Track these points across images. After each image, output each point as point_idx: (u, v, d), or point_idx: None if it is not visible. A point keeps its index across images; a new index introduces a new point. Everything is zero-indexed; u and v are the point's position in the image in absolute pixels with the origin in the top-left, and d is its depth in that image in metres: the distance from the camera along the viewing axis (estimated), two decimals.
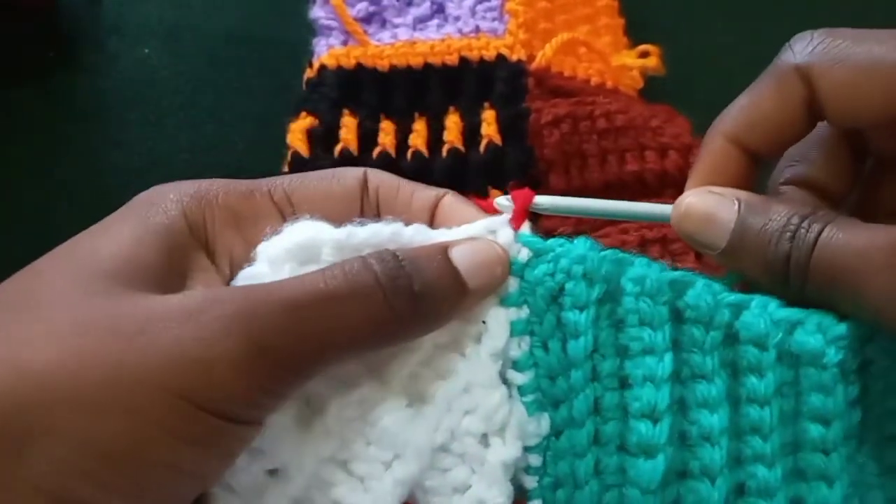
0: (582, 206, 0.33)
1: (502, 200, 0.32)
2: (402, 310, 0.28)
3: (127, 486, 0.26)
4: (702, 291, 0.29)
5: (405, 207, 0.33)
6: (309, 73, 0.52)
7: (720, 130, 0.32)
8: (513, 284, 0.31)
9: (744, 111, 0.32)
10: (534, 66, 0.52)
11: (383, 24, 0.55)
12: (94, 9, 0.62)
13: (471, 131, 0.50)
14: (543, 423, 0.31)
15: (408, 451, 0.30)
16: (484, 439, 0.30)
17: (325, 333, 0.27)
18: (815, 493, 0.29)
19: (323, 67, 0.51)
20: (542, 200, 0.33)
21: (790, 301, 0.29)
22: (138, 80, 0.58)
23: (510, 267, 0.31)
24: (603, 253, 0.30)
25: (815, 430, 0.29)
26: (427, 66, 0.51)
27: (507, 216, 0.32)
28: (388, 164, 0.48)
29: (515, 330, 0.31)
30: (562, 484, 0.30)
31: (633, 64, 0.56)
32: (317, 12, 0.54)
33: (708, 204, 0.30)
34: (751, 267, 0.29)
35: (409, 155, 0.48)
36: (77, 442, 0.25)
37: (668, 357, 0.29)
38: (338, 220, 0.31)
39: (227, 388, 0.26)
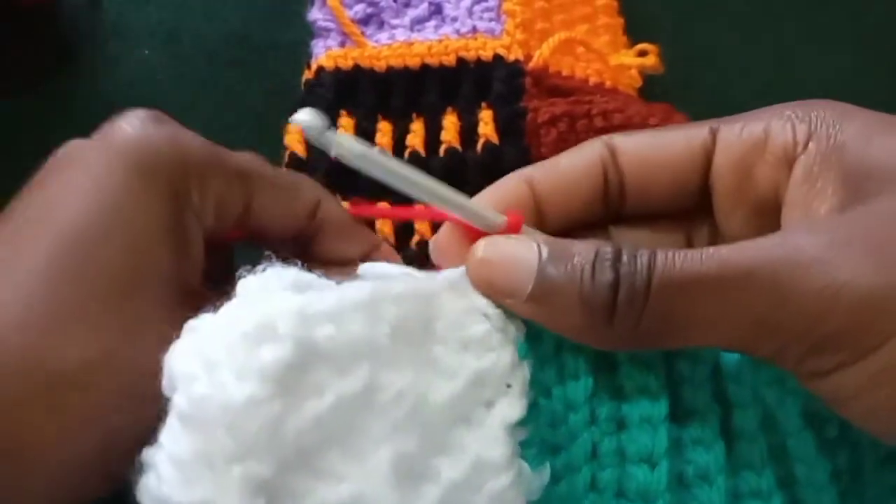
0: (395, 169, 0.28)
1: (305, 117, 0.27)
2: None
3: None
4: None
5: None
6: (307, 75, 0.52)
7: (518, 171, 0.32)
8: (520, 335, 0.28)
9: (545, 162, 0.32)
10: (531, 65, 0.52)
11: (381, 25, 0.55)
12: (94, 11, 0.62)
13: (468, 131, 0.50)
14: (545, 475, 0.28)
15: None
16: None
17: None
18: None
19: (320, 69, 0.52)
20: (346, 142, 0.27)
21: (606, 347, 0.27)
22: (138, 81, 0.58)
23: None
24: None
25: (800, 470, 0.28)
26: (424, 67, 0.51)
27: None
28: None
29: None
30: None
31: (631, 63, 0.55)
32: (314, 14, 0.55)
33: (506, 246, 0.28)
34: (564, 308, 0.27)
35: (406, 155, 0.48)
36: None
37: (663, 396, 0.28)
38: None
39: None
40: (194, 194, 0.32)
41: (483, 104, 0.51)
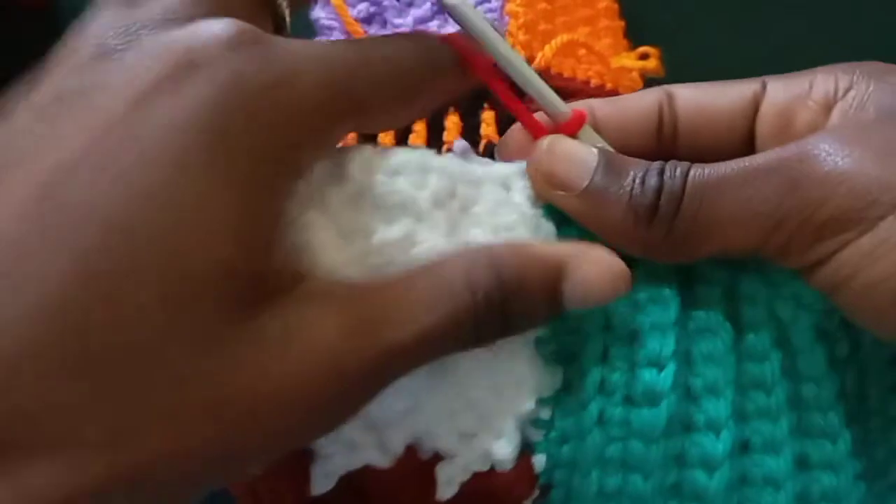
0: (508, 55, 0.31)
1: None
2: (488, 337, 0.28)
3: None
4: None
5: None
6: None
7: (581, 101, 0.34)
8: (549, 236, 0.30)
9: (606, 98, 0.35)
10: (533, 67, 0.52)
11: (384, 24, 0.55)
12: None
13: (470, 132, 0.49)
14: (557, 376, 0.30)
15: (423, 410, 0.28)
16: (499, 390, 0.29)
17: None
18: (819, 450, 0.29)
19: None
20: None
21: (640, 252, 0.30)
22: None
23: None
24: None
25: (808, 390, 0.29)
26: None
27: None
28: None
29: None
30: (568, 439, 0.30)
31: (632, 66, 0.56)
32: (317, 13, 0.54)
33: (571, 144, 0.31)
34: (610, 209, 0.29)
35: None
36: None
37: (674, 304, 0.30)
38: None
39: None
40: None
41: (485, 105, 0.50)
